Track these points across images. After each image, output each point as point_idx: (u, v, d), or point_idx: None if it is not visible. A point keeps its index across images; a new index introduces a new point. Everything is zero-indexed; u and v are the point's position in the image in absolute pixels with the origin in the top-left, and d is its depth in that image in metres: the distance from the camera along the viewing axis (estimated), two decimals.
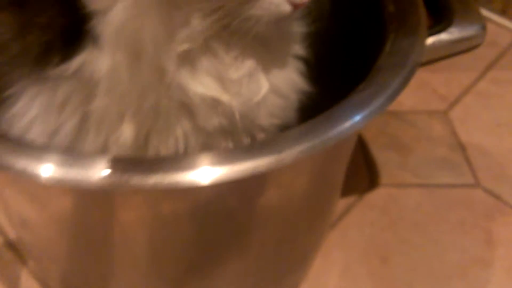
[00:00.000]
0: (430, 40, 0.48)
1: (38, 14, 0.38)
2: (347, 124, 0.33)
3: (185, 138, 0.43)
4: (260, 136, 0.47)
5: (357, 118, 0.34)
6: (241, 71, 0.41)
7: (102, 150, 0.42)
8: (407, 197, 0.75)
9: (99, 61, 0.38)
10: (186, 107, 0.41)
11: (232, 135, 0.45)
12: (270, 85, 0.43)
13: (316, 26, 0.47)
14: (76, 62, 0.38)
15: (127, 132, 0.41)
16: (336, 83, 0.52)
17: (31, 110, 0.41)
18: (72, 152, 0.35)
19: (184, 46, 0.38)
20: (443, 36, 0.48)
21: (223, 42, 0.39)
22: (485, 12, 1.11)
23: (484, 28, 0.50)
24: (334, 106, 0.35)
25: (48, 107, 0.41)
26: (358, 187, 0.76)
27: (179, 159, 0.33)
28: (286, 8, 0.36)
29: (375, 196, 0.75)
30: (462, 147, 0.82)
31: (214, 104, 0.41)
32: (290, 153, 0.31)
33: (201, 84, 0.40)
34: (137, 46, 0.37)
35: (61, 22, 0.38)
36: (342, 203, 0.73)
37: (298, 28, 0.47)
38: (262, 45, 0.42)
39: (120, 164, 0.30)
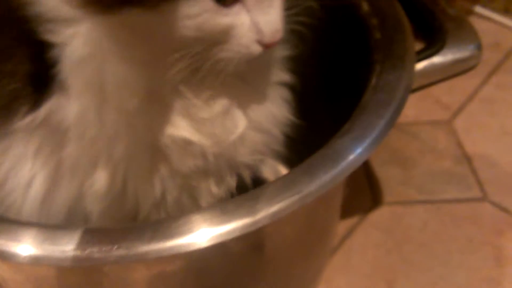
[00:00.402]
0: (422, 64, 0.45)
1: (2, 61, 0.37)
2: (327, 176, 0.31)
3: (162, 181, 0.42)
4: (245, 172, 0.45)
5: (338, 169, 0.31)
6: (214, 110, 0.40)
7: (77, 198, 0.41)
8: (412, 215, 0.72)
9: (67, 107, 0.37)
10: (159, 150, 0.39)
11: (212, 174, 0.43)
12: (248, 122, 0.41)
13: (299, 50, 0.45)
14: (44, 110, 0.37)
15: (101, 179, 0.40)
16: (321, 112, 0.50)
17: (4, 164, 0.40)
18: (46, 227, 0.33)
19: (150, 89, 0.36)
20: (436, 60, 0.46)
21: (192, 84, 0.37)
22: (486, 12, 1.08)
23: (479, 47, 0.48)
24: (314, 156, 0.33)
25: (21, 159, 0.40)
26: (361, 207, 0.74)
27: (142, 230, 0.31)
28: (256, 49, 0.35)
29: (379, 216, 0.73)
30: (468, 158, 0.80)
31: (186, 145, 0.40)
32: (266, 214, 0.29)
33: (171, 125, 0.39)
34: (101, 87, 0.36)
35: (27, 69, 0.37)
36: (344, 225, 0.71)
37: (281, 52, 0.45)
38: (237, 79, 0.40)
39: (90, 238, 0.28)
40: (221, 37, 0.34)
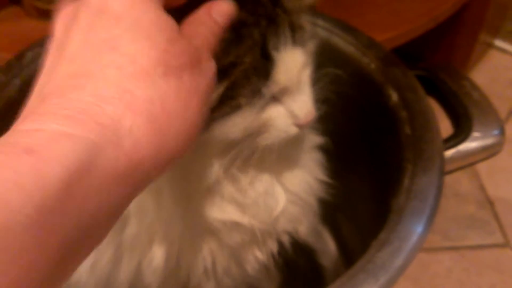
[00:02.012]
0: (449, 152, 0.48)
1: None
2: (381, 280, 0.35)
3: (212, 255, 0.46)
4: (285, 237, 0.49)
5: (379, 284, 0.35)
6: (258, 191, 0.44)
7: (137, 274, 0.46)
8: (437, 262, 0.76)
9: None
10: (210, 230, 0.44)
11: (257, 244, 0.47)
12: (287, 196, 0.45)
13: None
14: None
15: (158, 255, 0.44)
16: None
17: None
18: None
19: (204, 183, 0.41)
20: (462, 147, 0.49)
21: (240, 169, 0.42)
22: (504, 45, 1.10)
23: (502, 132, 0.51)
24: (354, 269, 0.36)
25: None
26: None
27: None
28: (294, 130, 0.39)
29: None
30: (490, 203, 0.83)
31: (235, 226, 0.44)
32: None
33: (221, 210, 0.43)
34: (158, 184, 0.40)
35: None
36: None
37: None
38: (276, 155, 0.44)
39: None
40: (262, 129, 0.38)
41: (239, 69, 0.34)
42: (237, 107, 0.35)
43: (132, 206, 0.40)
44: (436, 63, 0.57)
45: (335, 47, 0.56)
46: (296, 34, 0.36)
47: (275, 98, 0.38)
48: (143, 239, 0.44)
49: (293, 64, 0.36)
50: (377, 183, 0.52)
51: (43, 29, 0.79)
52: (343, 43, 0.56)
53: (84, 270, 0.47)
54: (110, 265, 0.46)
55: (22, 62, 0.55)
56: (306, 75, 0.38)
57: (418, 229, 0.39)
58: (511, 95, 0.99)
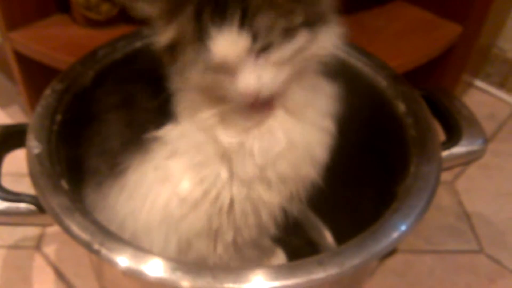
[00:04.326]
0: (443, 154, 0.60)
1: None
2: (393, 236, 0.47)
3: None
4: (292, 184, 0.56)
5: (397, 234, 0.47)
6: (261, 130, 0.52)
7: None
8: (421, 262, 0.87)
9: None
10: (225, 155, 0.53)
11: (266, 185, 0.54)
12: (287, 144, 0.52)
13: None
14: None
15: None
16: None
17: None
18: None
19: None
20: (454, 150, 0.61)
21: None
22: (483, 85, 1.24)
23: (485, 141, 0.63)
24: (374, 224, 0.48)
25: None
26: None
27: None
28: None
29: (394, 262, 0.87)
30: (467, 216, 0.95)
31: (242, 148, 0.52)
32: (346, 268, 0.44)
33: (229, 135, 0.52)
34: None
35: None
36: None
37: (326, 105, 0.56)
38: (284, 111, 0.52)
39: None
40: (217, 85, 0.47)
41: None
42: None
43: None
44: (433, 87, 0.69)
45: (353, 67, 0.68)
46: (246, 21, 0.43)
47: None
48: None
49: (230, 43, 0.44)
50: (383, 175, 0.63)
51: (91, 37, 0.91)
52: (360, 64, 0.68)
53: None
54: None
55: (95, 58, 0.66)
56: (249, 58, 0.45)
57: (422, 202, 0.51)
58: (487, 128, 1.12)
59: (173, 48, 0.47)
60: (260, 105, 0.49)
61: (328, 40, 0.49)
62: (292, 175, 0.54)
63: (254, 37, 0.44)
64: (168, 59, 0.49)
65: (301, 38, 0.46)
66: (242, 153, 0.52)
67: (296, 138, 0.53)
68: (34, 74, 0.97)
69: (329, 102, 0.56)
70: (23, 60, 0.93)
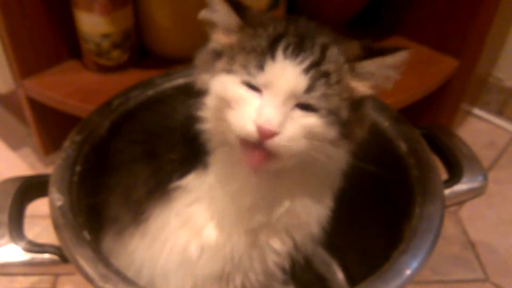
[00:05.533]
0: (446, 192, 0.63)
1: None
2: (402, 277, 0.49)
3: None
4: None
5: (405, 275, 0.49)
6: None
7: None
8: None
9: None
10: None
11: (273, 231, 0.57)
12: (290, 205, 0.54)
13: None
14: None
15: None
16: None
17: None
18: None
19: None
20: (456, 188, 0.64)
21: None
22: (482, 113, 1.27)
23: (486, 177, 0.66)
24: (384, 268, 0.50)
25: None
26: None
27: None
28: (249, 127, 0.45)
29: None
30: (472, 244, 0.97)
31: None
32: None
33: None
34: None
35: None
36: None
37: (331, 181, 0.58)
38: (291, 177, 0.54)
39: None
40: (233, 103, 0.46)
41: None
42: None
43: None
44: (433, 124, 0.72)
45: None
46: (315, 71, 0.45)
47: (259, 89, 0.46)
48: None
49: (279, 72, 0.44)
50: (388, 215, 0.65)
51: (102, 82, 0.94)
52: None
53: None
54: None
55: (110, 107, 0.69)
56: (288, 92, 0.44)
57: (428, 242, 0.53)
58: (487, 156, 1.15)
59: (218, 54, 0.50)
60: (259, 152, 0.46)
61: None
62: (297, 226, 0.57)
63: (308, 89, 0.45)
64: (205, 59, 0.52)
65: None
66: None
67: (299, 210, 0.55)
68: (47, 118, 1.01)
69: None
70: (36, 105, 0.96)
